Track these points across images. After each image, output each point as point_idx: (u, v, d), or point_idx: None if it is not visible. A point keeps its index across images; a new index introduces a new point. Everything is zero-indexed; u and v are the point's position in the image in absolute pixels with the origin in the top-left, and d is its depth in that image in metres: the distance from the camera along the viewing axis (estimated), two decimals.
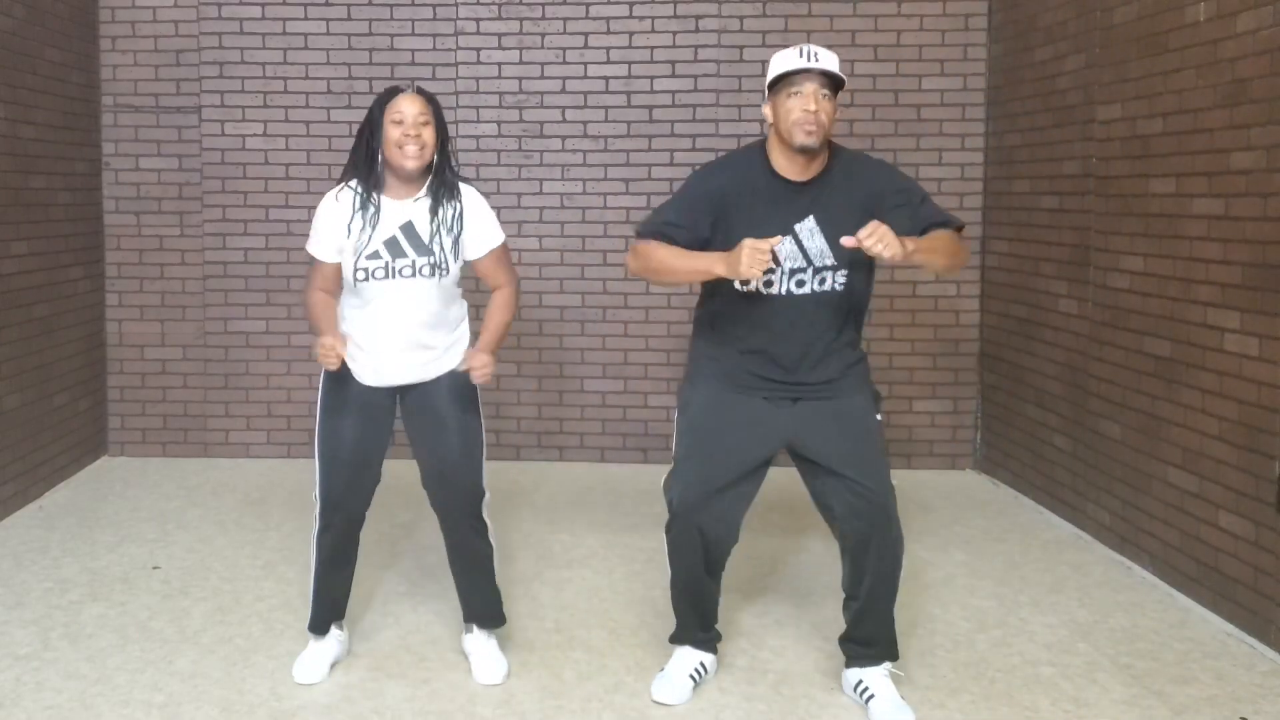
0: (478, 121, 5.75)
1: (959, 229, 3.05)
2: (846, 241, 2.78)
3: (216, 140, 5.79)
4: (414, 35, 5.75)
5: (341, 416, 3.17)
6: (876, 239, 2.72)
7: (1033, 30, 5.15)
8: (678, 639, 3.30)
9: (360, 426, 3.17)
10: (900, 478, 5.56)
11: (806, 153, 2.91)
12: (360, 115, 5.63)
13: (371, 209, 3.09)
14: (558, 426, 5.83)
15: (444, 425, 3.20)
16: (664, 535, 3.18)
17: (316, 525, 3.24)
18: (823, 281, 2.99)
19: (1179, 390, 3.99)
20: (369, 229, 3.08)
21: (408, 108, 3.05)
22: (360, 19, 5.75)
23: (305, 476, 5.49)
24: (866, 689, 3.11)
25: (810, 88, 2.86)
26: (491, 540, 3.33)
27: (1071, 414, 4.75)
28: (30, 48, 5.04)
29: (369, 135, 3.10)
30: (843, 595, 3.18)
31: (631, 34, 5.72)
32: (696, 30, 5.71)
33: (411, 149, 3.03)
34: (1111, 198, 4.44)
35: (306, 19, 5.75)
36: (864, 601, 3.08)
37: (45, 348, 5.17)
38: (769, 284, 2.99)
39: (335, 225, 3.12)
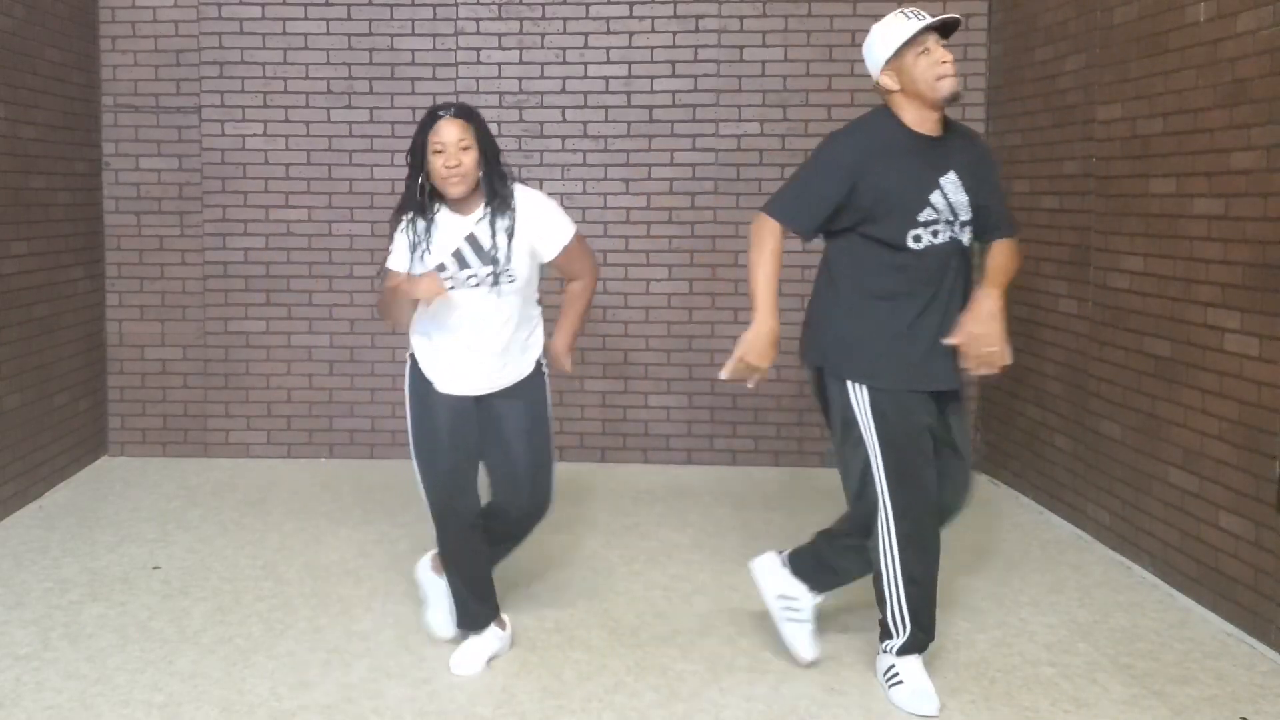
0: None
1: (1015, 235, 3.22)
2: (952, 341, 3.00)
3: (216, 140, 5.79)
4: (414, 35, 5.75)
5: (433, 424, 3.26)
6: (980, 363, 2.99)
7: (1033, 30, 5.15)
8: (907, 649, 3.19)
9: (451, 432, 3.25)
10: None
11: (950, 103, 3.02)
12: (360, 115, 5.74)
13: (431, 226, 3.20)
14: (558, 426, 5.78)
15: (526, 431, 3.31)
16: (892, 529, 3.07)
17: (435, 530, 3.33)
18: (962, 231, 3.07)
19: (1179, 390, 3.99)
20: (430, 244, 3.19)
21: (447, 135, 3.13)
22: (360, 19, 5.75)
23: (305, 476, 5.52)
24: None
25: (932, 41, 3.00)
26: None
27: (1071, 414, 4.75)
28: (30, 48, 5.04)
29: (417, 160, 3.19)
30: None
31: (631, 34, 5.72)
32: (696, 30, 5.71)
33: (454, 179, 3.13)
34: (1111, 198, 4.44)
35: (306, 19, 5.75)
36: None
37: (45, 348, 5.17)
38: (936, 234, 3.02)
39: (406, 243, 3.23)
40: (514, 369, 3.31)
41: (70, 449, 5.43)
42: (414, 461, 3.30)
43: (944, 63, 2.97)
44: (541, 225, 3.26)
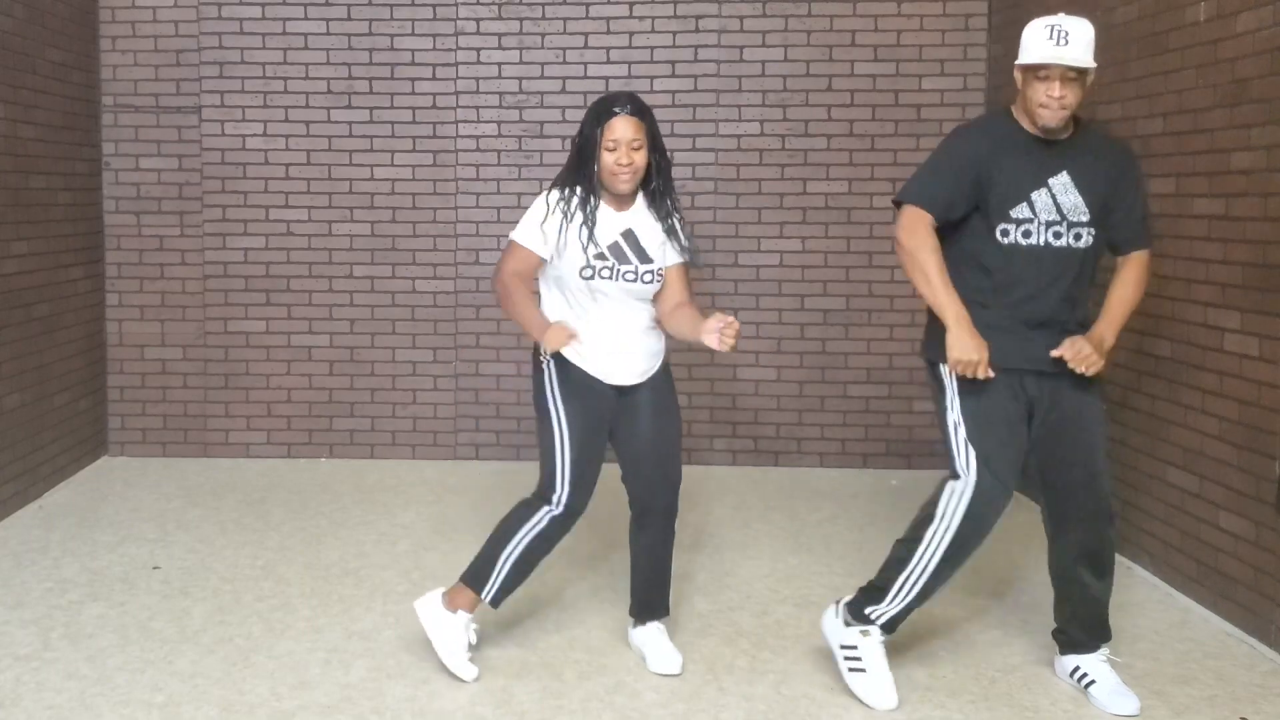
0: (478, 121, 5.75)
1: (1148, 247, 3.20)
2: (1055, 354, 3.00)
3: (216, 140, 5.79)
4: (414, 35, 5.75)
5: (584, 407, 3.27)
6: (1081, 362, 2.97)
7: None
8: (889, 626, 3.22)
9: (599, 417, 3.30)
10: (900, 478, 5.60)
11: (1049, 133, 3.03)
12: (360, 115, 5.74)
13: (592, 214, 3.21)
14: None
15: (664, 415, 3.36)
16: (961, 511, 3.08)
17: (549, 511, 3.28)
18: (1077, 237, 3.06)
19: (1179, 390, 3.99)
20: (590, 232, 3.20)
21: (622, 132, 3.16)
22: (360, 19, 5.75)
23: (305, 476, 5.52)
24: (1085, 675, 3.21)
25: (1057, 71, 2.95)
26: (674, 539, 3.48)
27: None
28: (30, 48, 5.04)
29: (585, 151, 3.21)
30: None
31: (631, 34, 5.72)
32: (696, 30, 5.71)
33: (624, 175, 3.18)
34: None
35: (306, 19, 5.75)
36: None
37: (45, 348, 5.17)
38: (1027, 234, 3.04)
39: (553, 222, 3.21)
40: (656, 360, 3.37)
41: (70, 449, 5.43)
42: (558, 447, 3.26)
43: (1050, 95, 2.97)
44: (678, 237, 3.31)
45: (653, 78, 5.72)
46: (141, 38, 5.77)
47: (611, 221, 3.23)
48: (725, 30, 5.71)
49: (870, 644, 3.16)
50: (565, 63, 5.73)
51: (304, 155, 5.79)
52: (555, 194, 3.24)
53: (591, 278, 3.20)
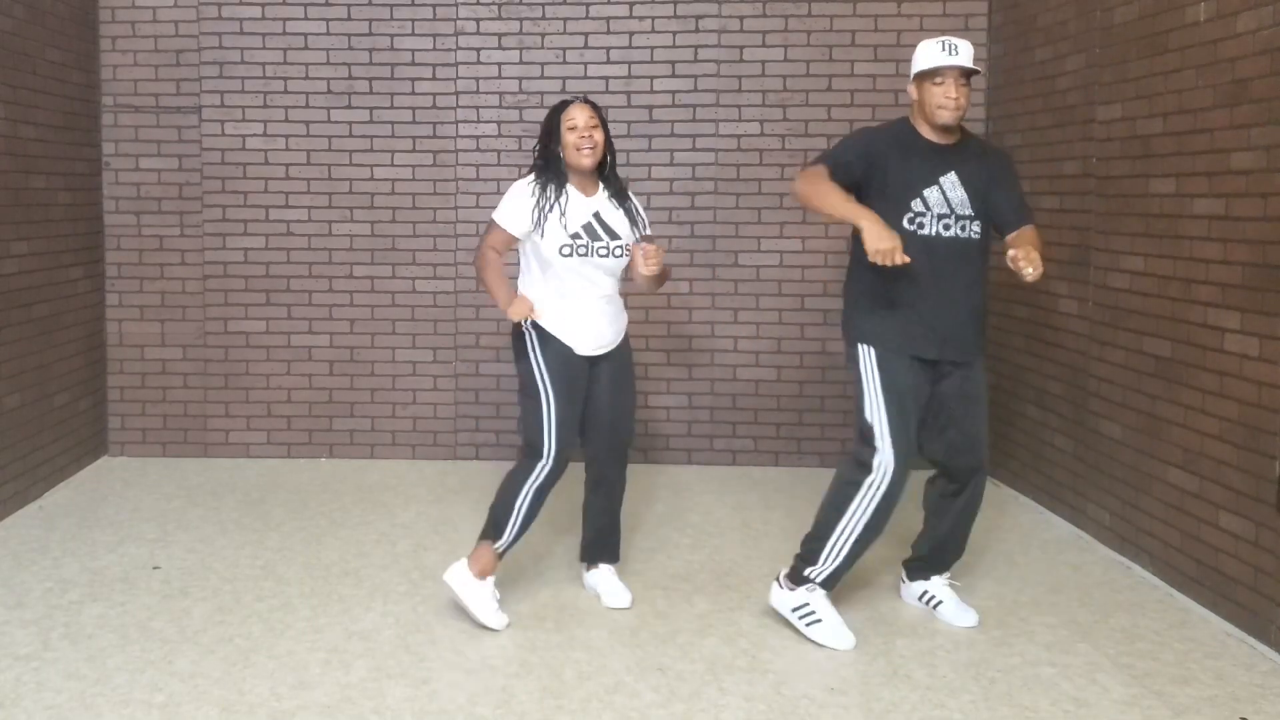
0: (478, 121, 5.75)
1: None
2: (1010, 255, 3.36)
3: (216, 140, 5.79)
4: (414, 35, 5.75)
5: (566, 373, 3.67)
6: (1029, 263, 3.30)
7: (1033, 30, 5.15)
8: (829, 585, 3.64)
9: (576, 380, 3.70)
10: None
11: (947, 131, 3.53)
12: (360, 115, 5.75)
13: (565, 197, 3.65)
14: None
15: (622, 385, 3.82)
16: (873, 490, 3.49)
17: (542, 467, 3.65)
18: (964, 228, 3.51)
19: (1179, 390, 3.99)
20: (563, 214, 3.63)
21: (579, 115, 3.63)
22: (360, 19, 5.75)
23: (305, 476, 5.52)
24: (933, 597, 3.79)
25: (951, 77, 3.46)
26: (624, 487, 3.95)
27: (1071, 414, 4.75)
28: (30, 48, 5.04)
29: (549, 139, 3.67)
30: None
31: (631, 34, 5.72)
32: (696, 30, 5.71)
33: (587, 150, 3.62)
34: (1111, 198, 4.44)
35: (306, 19, 5.75)
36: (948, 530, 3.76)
37: (45, 348, 5.17)
38: (921, 226, 3.48)
39: (529, 204, 3.65)
40: (621, 329, 3.81)
41: (70, 449, 5.43)
42: (544, 409, 3.64)
43: (948, 97, 3.45)
44: (638, 215, 3.80)
45: (653, 78, 5.72)
46: (141, 38, 5.77)
47: (582, 205, 3.67)
48: (725, 30, 5.71)
49: (817, 597, 3.57)
50: (565, 63, 5.73)
51: (304, 155, 5.79)
52: (533, 180, 3.67)
53: (570, 255, 3.63)
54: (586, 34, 5.72)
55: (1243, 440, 3.64)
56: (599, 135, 3.64)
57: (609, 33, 5.71)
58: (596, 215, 3.68)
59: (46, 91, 5.19)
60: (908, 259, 3.27)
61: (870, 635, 3.62)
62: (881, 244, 3.25)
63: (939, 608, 3.76)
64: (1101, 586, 4.08)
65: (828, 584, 3.57)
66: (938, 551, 3.78)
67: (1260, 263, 3.55)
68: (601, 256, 3.67)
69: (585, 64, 5.72)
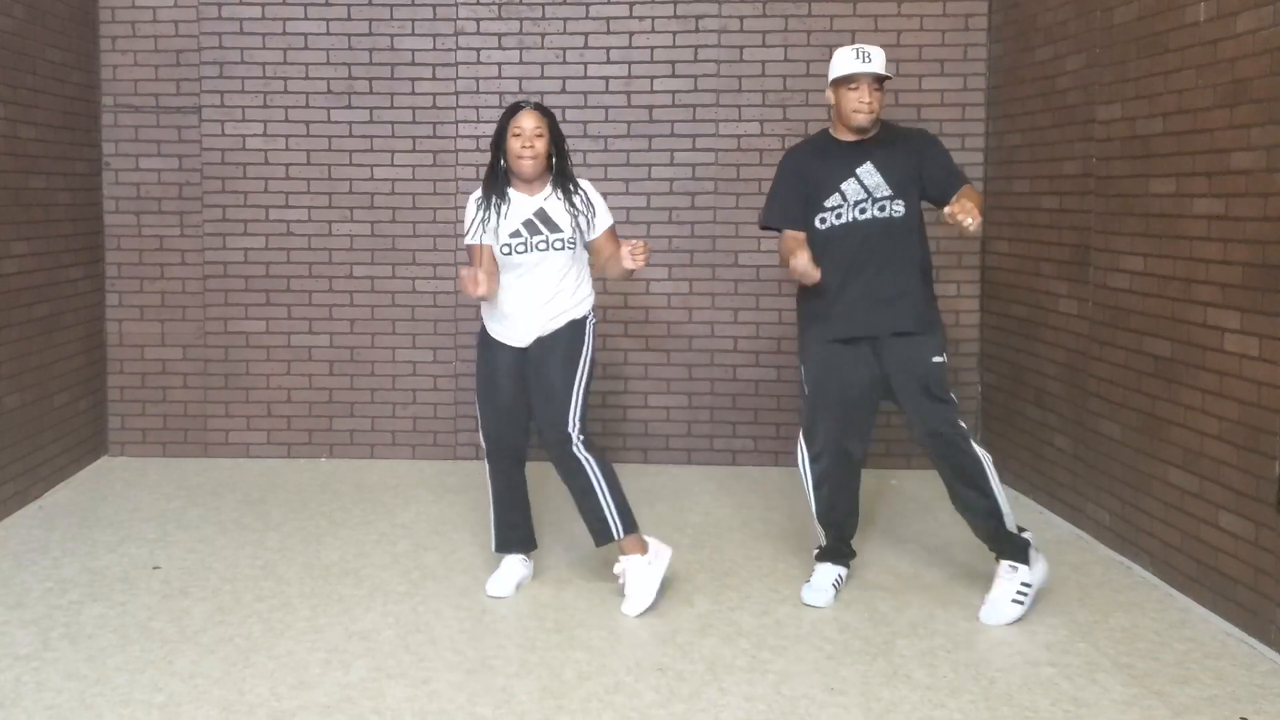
0: (478, 121, 5.75)
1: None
2: (947, 210, 3.54)
3: (216, 140, 5.79)
4: (414, 35, 5.75)
5: (491, 367, 3.90)
6: (965, 214, 3.45)
7: (1033, 30, 5.15)
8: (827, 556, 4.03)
9: (504, 374, 3.89)
10: (900, 477, 5.60)
11: (862, 131, 3.78)
12: (360, 115, 5.75)
13: (505, 201, 3.84)
14: None
15: (544, 373, 3.85)
16: (809, 471, 3.92)
17: (486, 463, 4.02)
18: (882, 209, 3.74)
19: (1179, 390, 3.99)
20: (504, 215, 3.83)
21: (525, 123, 3.79)
22: (360, 19, 5.75)
23: (305, 476, 5.52)
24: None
25: (864, 82, 3.71)
26: (590, 471, 3.83)
27: (1071, 414, 4.75)
28: (30, 48, 5.04)
29: (497, 144, 3.85)
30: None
31: (631, 34, 5.72)
32: (696, 30, 5.71)
33: (527, 158, 3.78)
34: (1111, 198, 4.44)
35: (306, 19, 5.75)
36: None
37: (45, 348, 5.17)
38: (839, 216, 3.76)
39: (475, 218, 3.88)
40: (560, 319, 3.87)
41: (70, 449, 5.43)
42: (476, 404, 3.98)
43: (861, 101, 3.71)
44: (598, 209, 3.91)
45: (653, 78, 5.72)
46: (141, 38, 5.77)
47: (524, 205, 3.85)
48: (725, 30, 5.71)
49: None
50: (565, 63, 5.73)
51: (304, 155, 5.79)
52: (477, 195, 3.92)
53: (509, 254, 3.82)
54: (586, 34, 5.72)
55: (1243, 440, 3.64)
56: (541, 144, 3.78)
57: (609, 33, 5.71)
58: (539, 212, 3.84)
59: (46, 91, 5.19)
60: (816, 275, 3.61)
61: (870, 635, 3.62)
62: (796, 269, 3.60)
63: (988, 594, 3.84)
64: (1101, 586, 4.08)
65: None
66: (987, 543, 3.89)
67: (1260, 263, 3.55)
68: (541, 250, 3.82)
69: (585, 64, 5.72)
